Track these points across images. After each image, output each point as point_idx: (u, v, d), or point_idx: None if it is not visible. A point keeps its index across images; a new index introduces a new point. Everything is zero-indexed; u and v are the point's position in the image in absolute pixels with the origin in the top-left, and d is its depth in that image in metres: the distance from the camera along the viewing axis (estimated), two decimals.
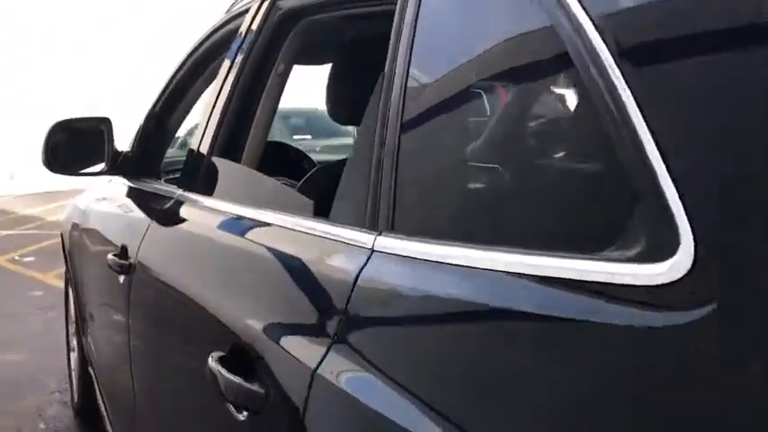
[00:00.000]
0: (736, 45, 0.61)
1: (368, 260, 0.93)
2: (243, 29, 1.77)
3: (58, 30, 12.52)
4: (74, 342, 3.28)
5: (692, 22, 0.64)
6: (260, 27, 1.68)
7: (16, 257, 7.33)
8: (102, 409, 2.55)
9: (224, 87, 1.75)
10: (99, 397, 2.65)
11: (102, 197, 2.73)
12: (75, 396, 3.28)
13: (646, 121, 0.61)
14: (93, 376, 2.77)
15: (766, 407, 0.51)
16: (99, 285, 2.43)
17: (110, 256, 2.00)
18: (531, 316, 0.70)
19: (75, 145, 2.41)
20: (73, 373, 3.34)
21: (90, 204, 2.85)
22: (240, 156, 1.70)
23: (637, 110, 0.62)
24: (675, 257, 0.57)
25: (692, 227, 0.57)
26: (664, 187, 0.59)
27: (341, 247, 1.03)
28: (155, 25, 12.89)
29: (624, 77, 0.64)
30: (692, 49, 0.64)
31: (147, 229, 1.90)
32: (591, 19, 0.68)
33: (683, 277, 0.56)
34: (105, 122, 2.39)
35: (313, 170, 1.72)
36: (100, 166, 2.39)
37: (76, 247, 2.96)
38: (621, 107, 0.63)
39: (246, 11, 1.79)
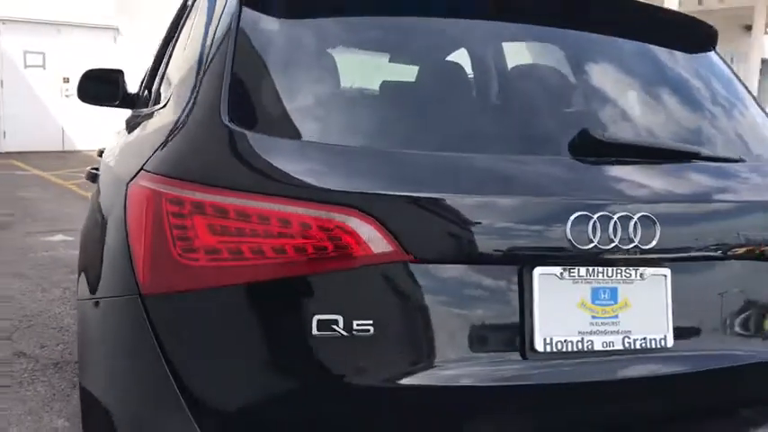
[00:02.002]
0: None
1: None
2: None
3: (164, 6, 14.23)
4: None
5: None
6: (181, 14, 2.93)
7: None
8: None
9: (166, 47, 2.99)
10: None
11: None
12: None
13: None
14: None
15: None
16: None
17: (96, 154, 3.33)
18: None
19: (100, 86, 3.65)
20: None
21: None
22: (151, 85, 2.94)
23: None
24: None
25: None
26: None
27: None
28: None
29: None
30: None
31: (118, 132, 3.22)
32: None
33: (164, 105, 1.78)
34: (120, 73, 3.67)
35: None
36: (115, 101, 3.69)
37: None
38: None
39: None
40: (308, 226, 1.41)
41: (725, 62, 2.12)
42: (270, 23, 1.68)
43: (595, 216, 1.52)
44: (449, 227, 1.48)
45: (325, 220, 1.41)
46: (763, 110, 2.07)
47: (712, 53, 2.09)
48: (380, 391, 1.47)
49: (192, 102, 1.58)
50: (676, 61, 2.04)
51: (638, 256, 1.57)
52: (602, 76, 1.94)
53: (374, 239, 1.42)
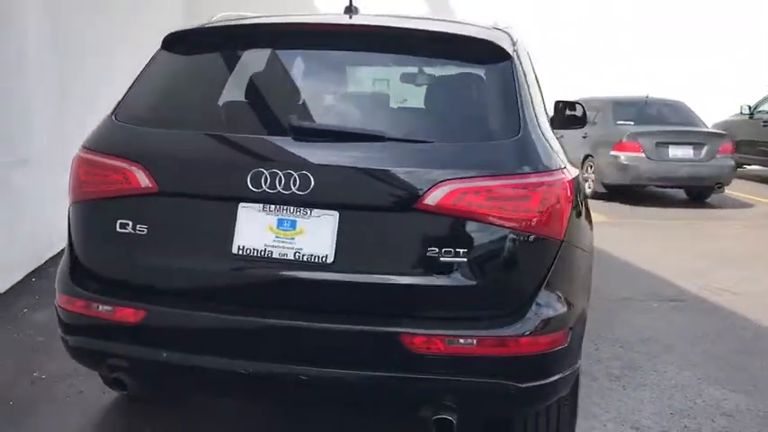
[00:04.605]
0: None
1: None
2: None
3: None
4: None
5: None
6: None
7: None
8: None
9: None
10: None
11: None
12: None
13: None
14: None
15: None
16: None
17: None
18: None
19: None
20: None
21: None
22: None
23: None
24: None
25: None
26: None
27: None
28: None
29: None
30: None
31: None
32: None
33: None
34: None
35: None
36: None
37: None
38: None
39: None
40: (112, 169, 2.61)
41: (513, 74, 2.67)
42: (166, 60, 2.91)
43: (267, 172, 2.43)
44: (187, 176, 2.57)
45: (120, 167, 2.60)
46: (520, 113, 2.56)
47: (497, 65, 2.70)
48: (153, 268, 2.60)
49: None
50: (445, 73, 2.75)
51: (304, 199, 2.42)
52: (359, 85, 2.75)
53: (144, 180, 2.55)
